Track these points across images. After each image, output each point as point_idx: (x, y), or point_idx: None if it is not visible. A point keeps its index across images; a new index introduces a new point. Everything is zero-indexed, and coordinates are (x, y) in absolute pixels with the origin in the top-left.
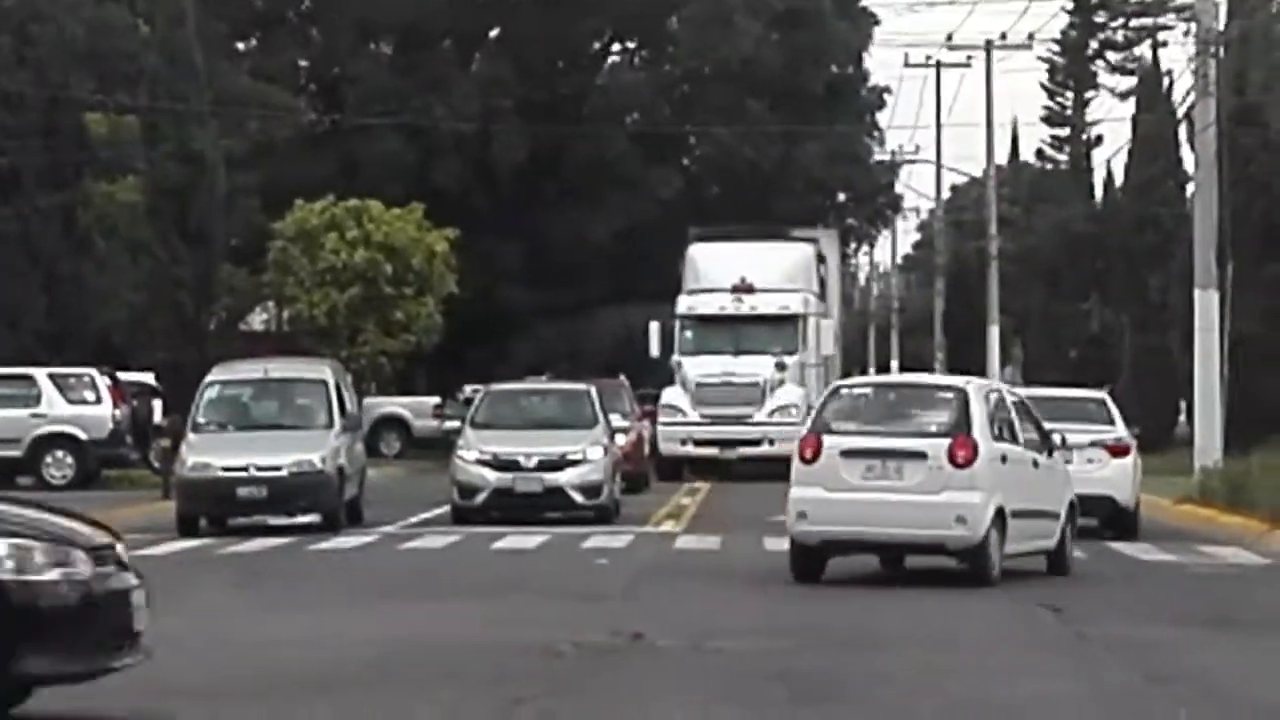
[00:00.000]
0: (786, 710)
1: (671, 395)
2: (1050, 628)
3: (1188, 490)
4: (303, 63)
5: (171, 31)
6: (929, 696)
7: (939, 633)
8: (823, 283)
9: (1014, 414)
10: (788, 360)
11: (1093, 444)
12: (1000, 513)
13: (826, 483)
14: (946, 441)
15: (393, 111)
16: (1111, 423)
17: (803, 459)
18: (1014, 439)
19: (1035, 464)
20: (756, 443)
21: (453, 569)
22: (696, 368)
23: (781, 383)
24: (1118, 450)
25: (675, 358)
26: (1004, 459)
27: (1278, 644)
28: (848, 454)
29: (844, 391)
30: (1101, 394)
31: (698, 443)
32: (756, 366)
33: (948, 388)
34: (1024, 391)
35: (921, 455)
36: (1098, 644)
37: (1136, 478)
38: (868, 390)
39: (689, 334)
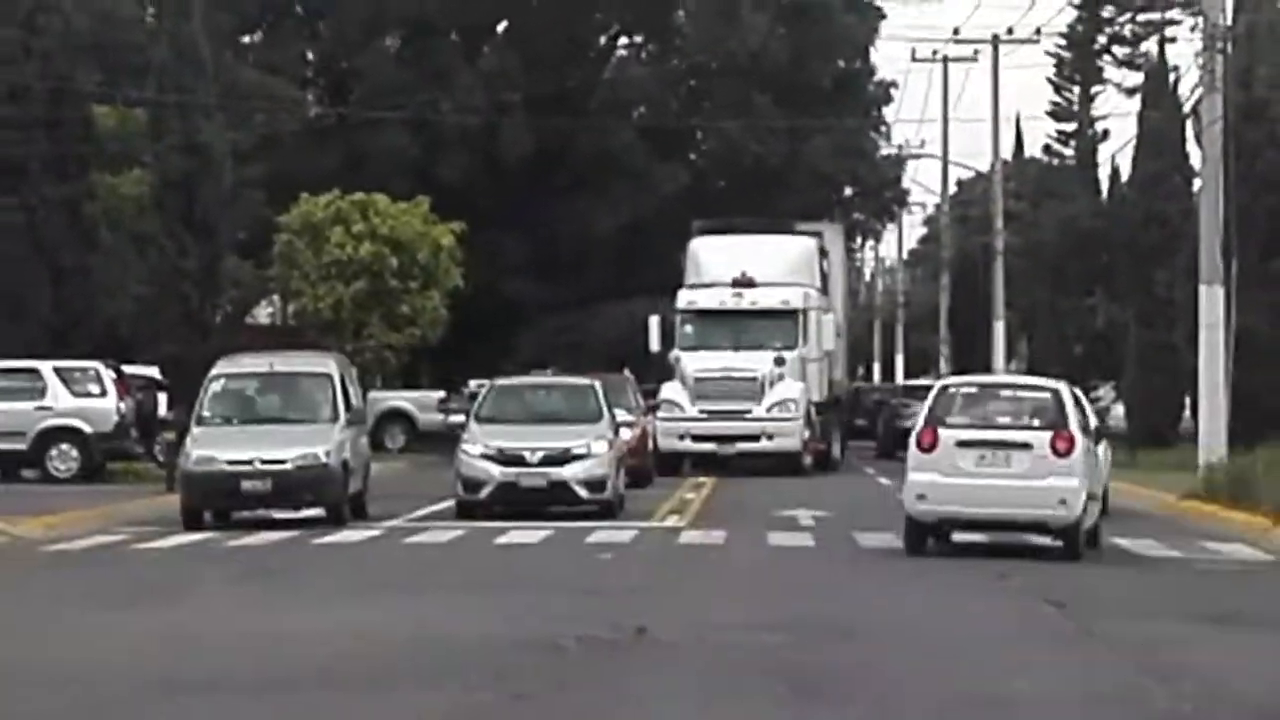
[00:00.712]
0: (789, 704)
1: (670, 390)
2: (1054, 622)
3: (1193, 486)
4: (309, 55)
5: (178, 24)
6: (932, 691)
7: (944, 627)
8: (825, 277)
9: (1083, 411)
10: (787, 355)
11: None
12: (1090, 496)
13: (942, 468)
14: (1049, 434)
15: (399, 105)
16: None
17: (920, 448)
18: (1085, 432)
19: (1096, 453)
20: (755, 438)
21: (457, 563)
22: (695, 362)
23: (781, 377)
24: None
25: (674, 352)
26: (1088, 450)
27: None
28: (962, 444)
29: (951, 390)
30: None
31: (696, 438)
32: (755, 361)
33: (1043, 388)
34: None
35: (1028, 446)
36: (1101, 639)
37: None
38: (973, 389)
39: (689, 328)
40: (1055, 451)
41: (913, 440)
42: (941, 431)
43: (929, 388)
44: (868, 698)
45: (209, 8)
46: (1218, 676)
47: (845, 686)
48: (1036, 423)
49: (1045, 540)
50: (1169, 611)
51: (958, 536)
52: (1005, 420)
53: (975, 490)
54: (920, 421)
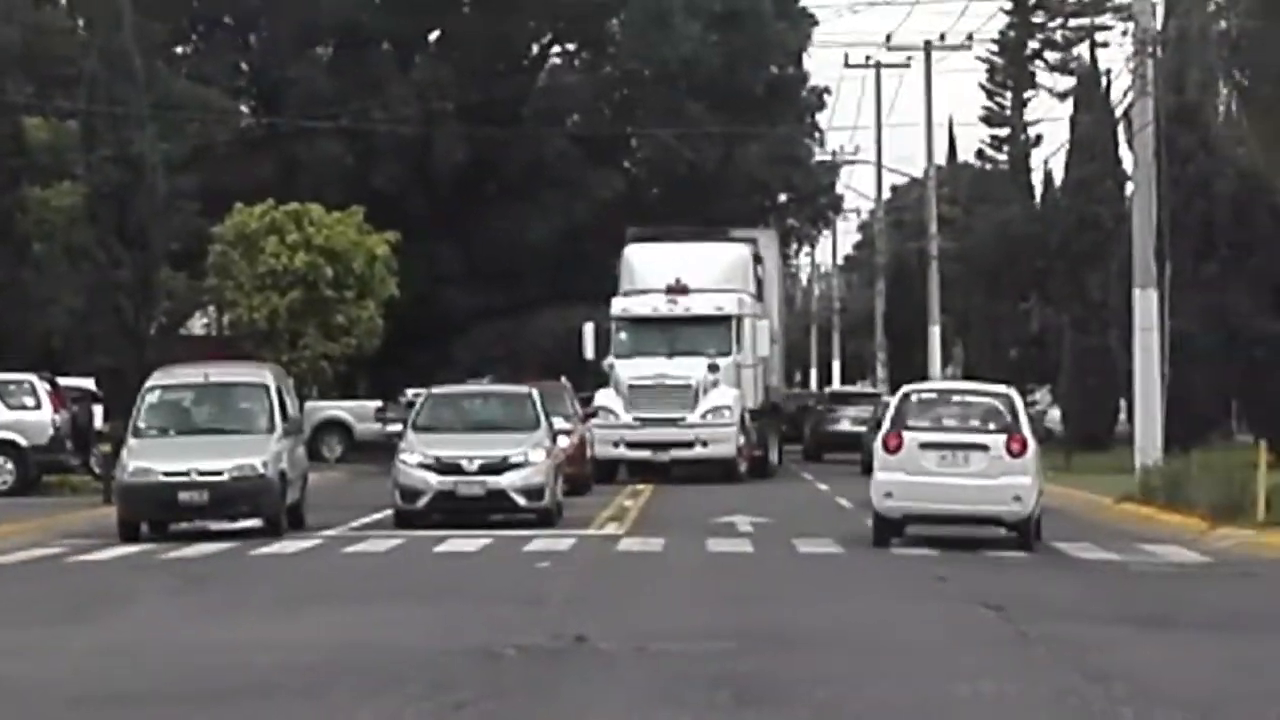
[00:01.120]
0: (729, 712)
1: (604, 397)
2: (992, 626)
3: (1128, 489)
4: (242, 66)
5: (109, 35)
6: (871, 697)
7: (882, 633)
8: (760, 283)
9: (1029, 416)
10: (721, 362)
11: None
12: (1040, 492)
13: (907, 468)
14: (1004, 437)
15: (332, 114)
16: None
17: (887, 449)
18: (1034, 435)
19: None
20: (690, 445)
21: (395, 573)
22: (629, 369)
23: (715, 384)
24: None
25: (609, 359)
26: (1037, 451)
27: (1217, 642)
28: (925, 446)
29: (913, 396)
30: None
31: (630, 445)
32: (689, 368)
33: (996, 394)
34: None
35: (985, 447)
36: (1039, 642)
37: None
38: (933, 395)
39: (623, 335)
40: (1010, 452)
41: (879, 443)
42: (906, 434)
43: (852, 394)
44: (810, 704)
45: (140, 18)
46: (1155, 678)
47: (787, 693)
48: (992, 426)
49: (1001, 532)
50: (1106, 614)
51: (915, 530)
52: (963, 424)
53: (937, 488)
54: (886, 425)
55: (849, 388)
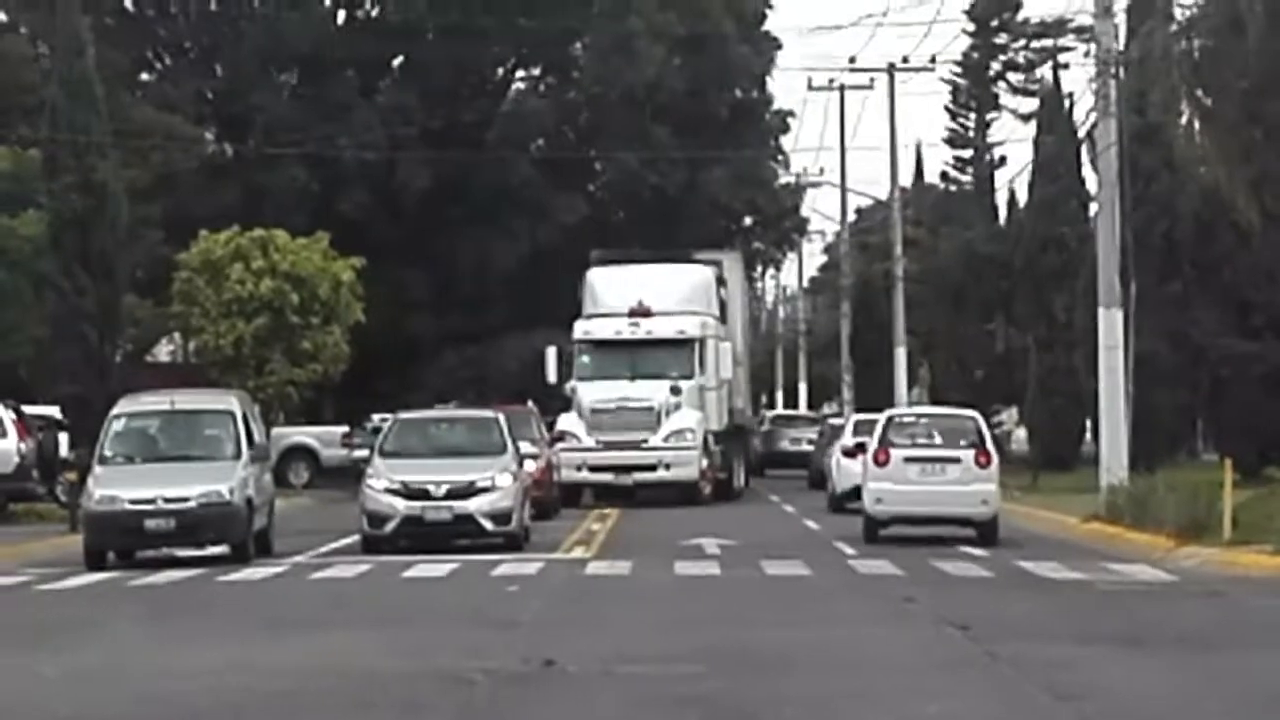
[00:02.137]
0: None
1: (567, 421)
2: (959, 646)
3: (1094, 508)
4: (206, 93)
5: (70, 62)
6: (839, 718)
7: (849, 654)
8: (723, 305)
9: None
10: (684, 385)
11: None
12: (999, 497)
13: (894, 478)
14: (973, 451)
15: (297, 141)
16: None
17: (876, 464)
18: (996, 450)
19: None
20: (652, 468)
21: (363, 598)
22: (591, 393)
23: (678, 407)
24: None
25: (571, 383)
26: (998, 463)
27: (1184, 660)
28: (908, 459)
29: (896, 419)
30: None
31: (593, 468)
32: (652, 391)
33: (965, 417)
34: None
35: (958, 460)
36: (1006, 662)
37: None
38: (913, 418)
39: (586, 359)
40: (978, 464)
41: (869, 457)
42: (892, 451)
43: (794, 417)
44: None
45: (103, 46)
46: (1123, 696)
47: (756, 715)
48: (962, 443)
49: (970, 532)
50: (1073, 633)
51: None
52: (939, 441)
53: (918, 494)
54: (875, 444)
55: (790, 411)
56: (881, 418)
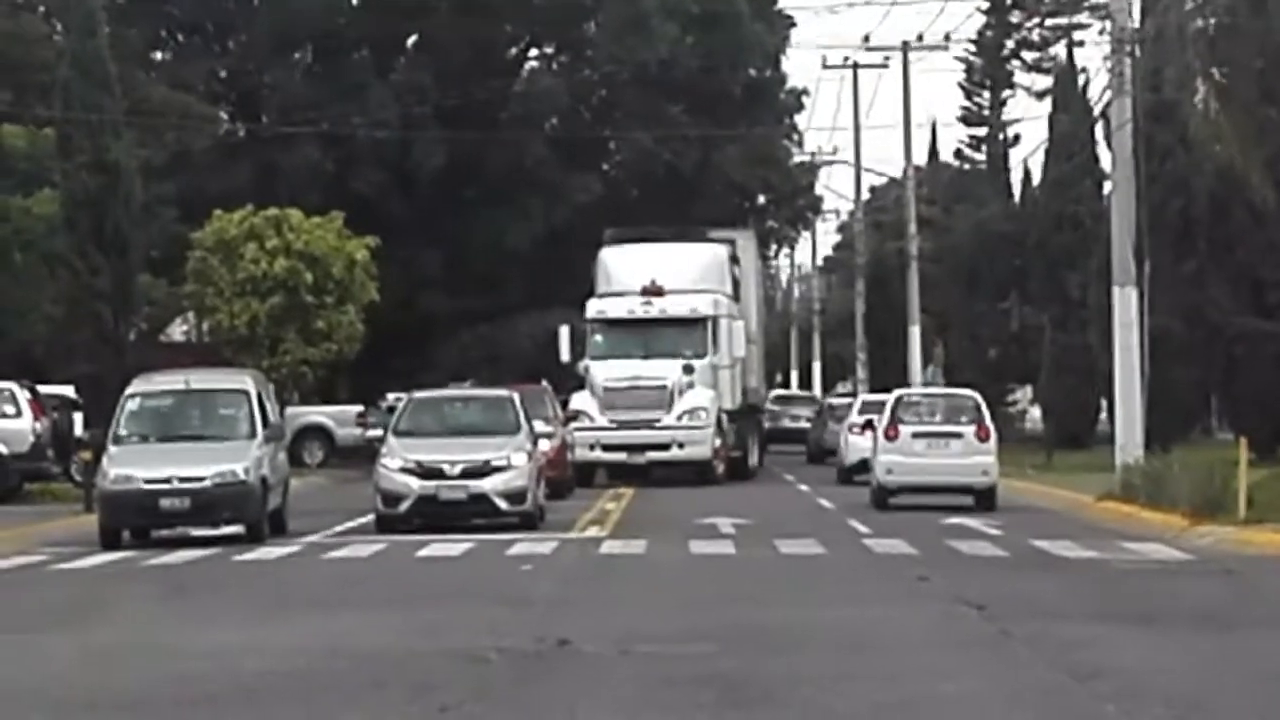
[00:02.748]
0: (713, 713)
1: (580, 400)
2: (974, 625)
3: (1109, 487)
4: (219, 71)
5: (84, 41)
6: (854, 697)
7: (865, 633)
8: (736, 284)
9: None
10: (696, 363)
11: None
12: (997, 468)
13: (903, 452)
14: (974, 427)
15: (311, 120)
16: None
17: (887, 438)
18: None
19: None
20: (665, 446)
21: (378, 578)
22: (604, 372)
23: (691, 385)
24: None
25: (584, 362)
26: (996, 438)
27: (1199, 638)
28: (916, 435)
29: (905, 399)
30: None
31: (606, 447)
32: (664, 370)
33: (967, 397)
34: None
35: (960, 435)
36: (1021, 641)
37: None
38: (919, 397)
39: (598, 338)
40: (979, 439)
41: (881, 433)
42: (901, 427)
43: (793, 397)
44: (794, 705)
45: (116, 24)
46: (1138, 675)
47: (772, 694)
48: (964, 420)
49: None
50: (1088, 612)
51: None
52: (943, 418)
53: (924, 465)
54: (885, 420)
55: (789, 391)
56: (891, 398)
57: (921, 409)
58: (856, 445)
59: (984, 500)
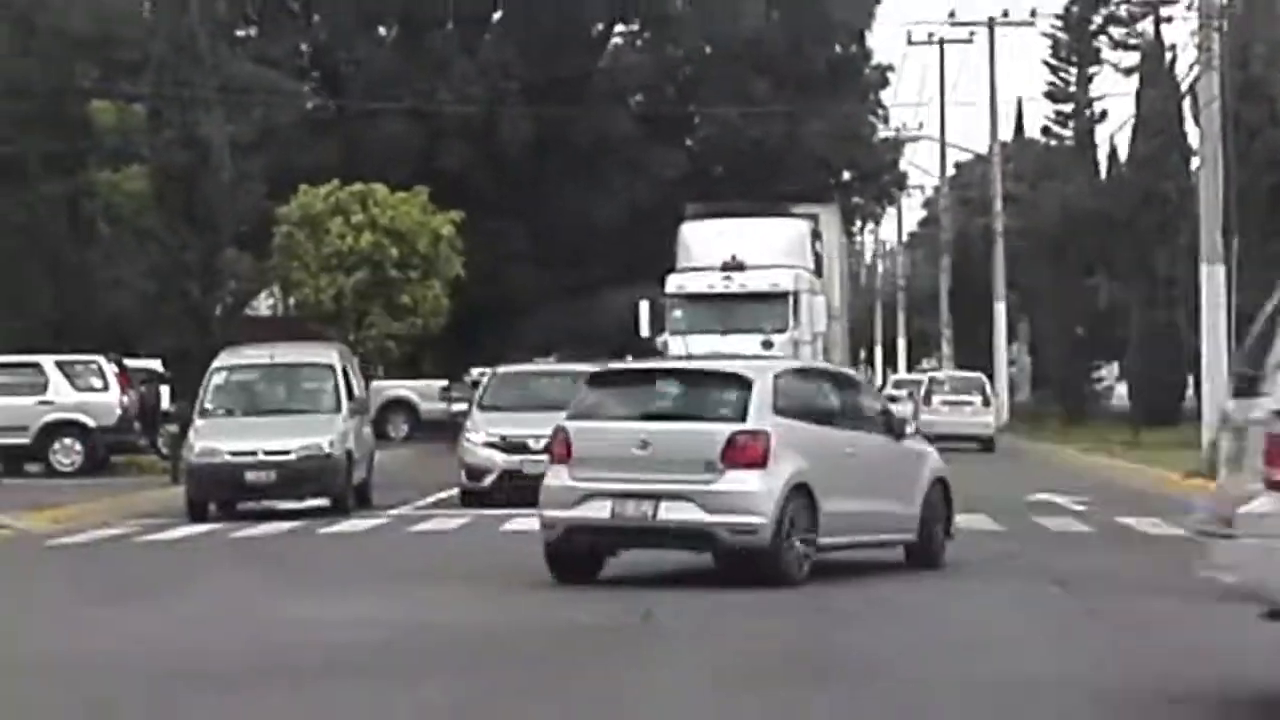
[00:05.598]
0: (799, 689)
1: None
2: (1058, 602)
3: (1196, 464)
4: (305, 48)
5: (175, 18)
6: (941, 674)
7: (949, 609)
8: (819, 259)
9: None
10: (776, 339)
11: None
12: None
13: (935, 414)
14: (980, 396)
15: (396, 95)
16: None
17: (924, 405)
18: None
19: None
20: None
21: (462, 551)
22: (682, 347)
23: None
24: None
25: (662, 337)
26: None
27: None
28: (944, 402)
29: (934, 379)
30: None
31: None
32: (743, 345)
33: (976, 377)
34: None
35: (971, 402)
36: (1106, 619)
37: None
38: (943, 377)
39: (677, 313)
40: (984, 403)
41: (920, 400)
42: (934, 397)
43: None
44: (879, 680)
45: (205, 1)
46: (1223, 652)
47: (856, 669)
48: (973, 392)
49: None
50: (1173, 589)
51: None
52: (960, 390)
53: (948, 422)
54: (921, 393)
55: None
56: (925, 378)
57: (945, 385)
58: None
59: (987, 445)
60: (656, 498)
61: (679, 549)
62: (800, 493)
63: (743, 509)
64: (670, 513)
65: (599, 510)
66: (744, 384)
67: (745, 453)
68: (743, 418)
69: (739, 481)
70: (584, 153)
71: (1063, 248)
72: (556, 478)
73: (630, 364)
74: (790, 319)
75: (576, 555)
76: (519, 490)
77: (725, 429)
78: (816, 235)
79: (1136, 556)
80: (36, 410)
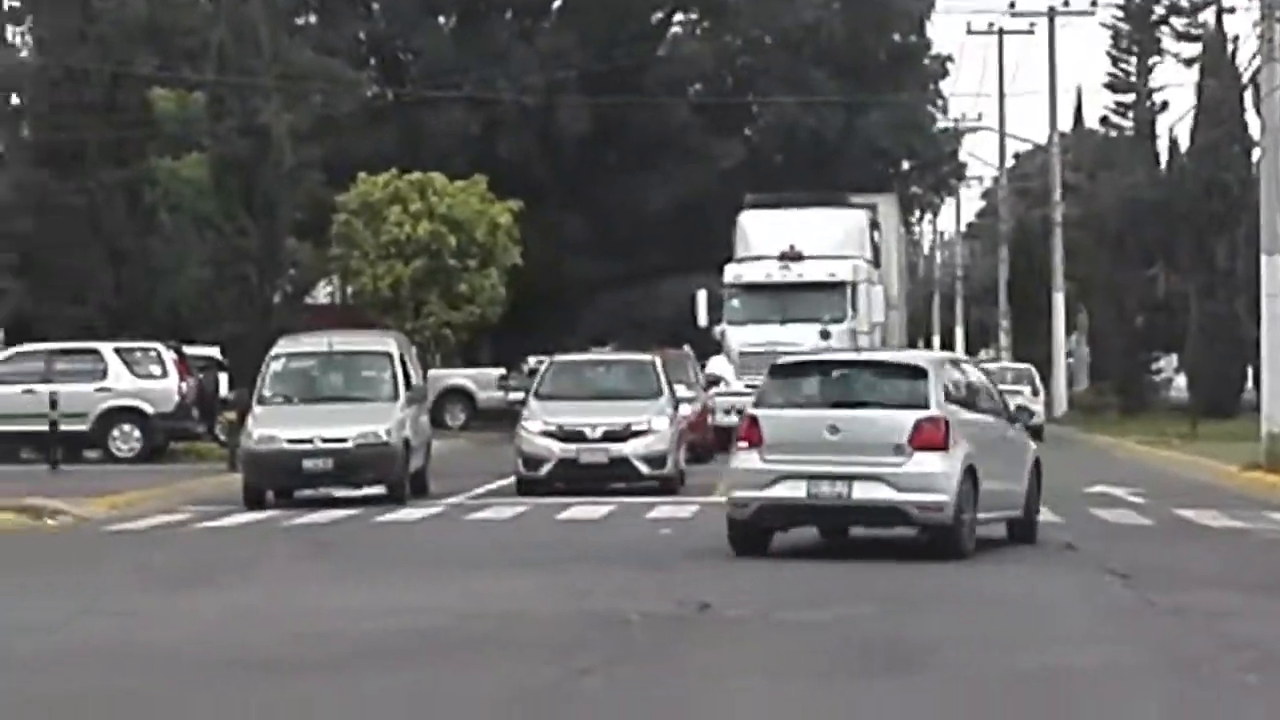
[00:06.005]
0: (856, 680)
1: (717, 365)
2: (1118, 594)
3: (1255, 457)
4: (364, 36)
5: (235, 5)
6: (1000, 664)
7: (1008, 600)
8: (877, 249)
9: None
10: (834, 328)
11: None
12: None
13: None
14: (1029, 386)
15: (455, 84)
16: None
17: None
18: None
19: None
20: None
21: (519, 540)
22: (741, 336)
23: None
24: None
25: (720, 326)
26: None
27: None
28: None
29: (983, 367)
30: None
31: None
32: (801, 335)
33: (1025, 368)
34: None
35: (1021, 391)
36: (1166, 611)
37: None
38: (992, 367)
39: (735, 302)
40: (1032, 393)
41: None
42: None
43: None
44: (937, 670)
45: None
46: None
47: (913, 659)
48: (1023, 380)
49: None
50: (1232, 582)
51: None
52: (1009, 380)
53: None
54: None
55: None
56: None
57: (994, 375)
58: None
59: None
60: (850, 479)
61: (870, 525)
62: (970, 474)
63: (930, 488)
64: (863, 492)
65: (794, 490)
66: (920, 374)
67: (930, 437)
68: (925, 405)
69: (925, 463)
70: (642, 142)
71: (1121, 238)
72: (747, 461)
73: (811, 355)
74: (848, 309)
75: (762, 531)
76: (575, 479)
77: (911, 415)
78: (875, 225)
79: (1197, 549)
80: (95, 397)
